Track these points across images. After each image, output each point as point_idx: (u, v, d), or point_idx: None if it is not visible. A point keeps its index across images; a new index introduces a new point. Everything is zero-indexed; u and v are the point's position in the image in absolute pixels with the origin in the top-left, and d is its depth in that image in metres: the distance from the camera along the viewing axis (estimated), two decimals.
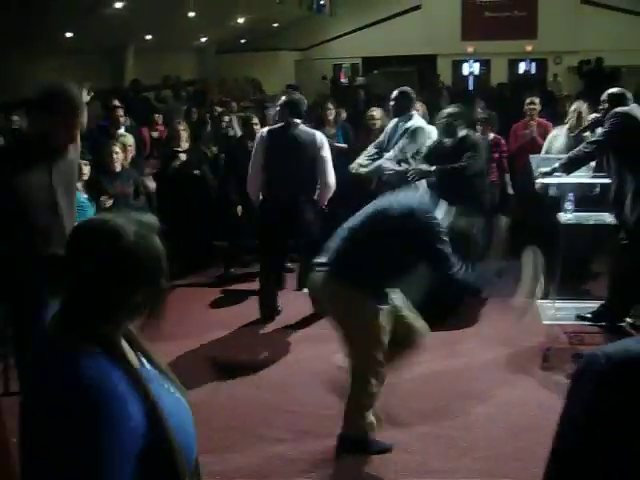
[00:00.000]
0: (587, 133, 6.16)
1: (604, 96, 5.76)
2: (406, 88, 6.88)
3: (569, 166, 5.55)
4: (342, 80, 19.55)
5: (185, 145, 7.42)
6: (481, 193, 6.41)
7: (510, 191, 7.77)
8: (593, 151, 5.53)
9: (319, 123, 7.70)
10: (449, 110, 6.45)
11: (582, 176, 5.91)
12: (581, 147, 5.65)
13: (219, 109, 8.44)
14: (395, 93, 6.82)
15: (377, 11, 18.87)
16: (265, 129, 6.16)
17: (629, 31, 17.21)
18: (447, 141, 6.30)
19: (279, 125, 6.08)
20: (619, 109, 5.48)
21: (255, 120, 7.40)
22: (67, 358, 1.43)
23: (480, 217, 6.12)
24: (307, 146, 6.01)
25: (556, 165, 5.60)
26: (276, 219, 5.99)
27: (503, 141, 7.79)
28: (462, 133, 6.28)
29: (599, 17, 17.85)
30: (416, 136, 6.47)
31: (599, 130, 5.64)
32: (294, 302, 6.44)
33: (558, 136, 7.05)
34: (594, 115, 5.94)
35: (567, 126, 6.96)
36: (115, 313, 1.51)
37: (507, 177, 7.73)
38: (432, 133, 6.52)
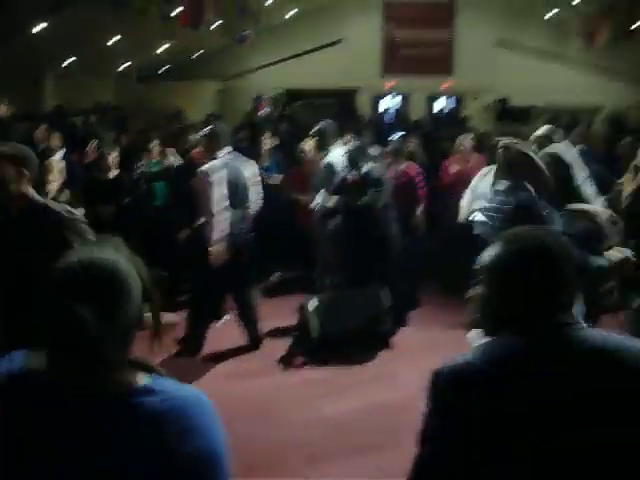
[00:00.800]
0: None
1: (532, 137, 5.99)
2: (323, 124, 6.92)
3: None
4: (260, 112, 19.54)
5: (114, 172, 7.29)
6: (385, 226, 6.52)
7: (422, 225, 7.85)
8: None
9: (254, 154, 7.56)
10: (352, 145, 6.56)
11: None
12: None
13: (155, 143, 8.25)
14: (314, 130, 6.92)
15: (299, 44, 19.04)
16: (221, 160, 5.80)
17: (541, 72, 18.05)
18: (350, 175, 6.40)
19: (226, 154, 5.86)
20: (547, 150, 5.70)
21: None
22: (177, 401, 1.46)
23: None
24: (246, 177, 5.99)
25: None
26: (236, 253, 5.84)
27: (414, 173, 7.77)
28: (365, 168, 6.39)
29: (513, 58, 18.58)
30: (329, 172, 6.54)
31: None
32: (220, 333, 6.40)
33: (487, 175, 7.20)
34: None
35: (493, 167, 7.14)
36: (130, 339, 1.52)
37: (418, 210, 7.75)
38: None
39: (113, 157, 7.22)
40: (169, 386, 1.48)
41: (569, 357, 1.64)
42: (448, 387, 1.68)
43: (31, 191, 3.46)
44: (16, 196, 3.40)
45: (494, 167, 7.13)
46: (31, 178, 3.46)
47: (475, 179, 7.24)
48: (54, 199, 6.23)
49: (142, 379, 1.47)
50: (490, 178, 7.02)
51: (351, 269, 6.36)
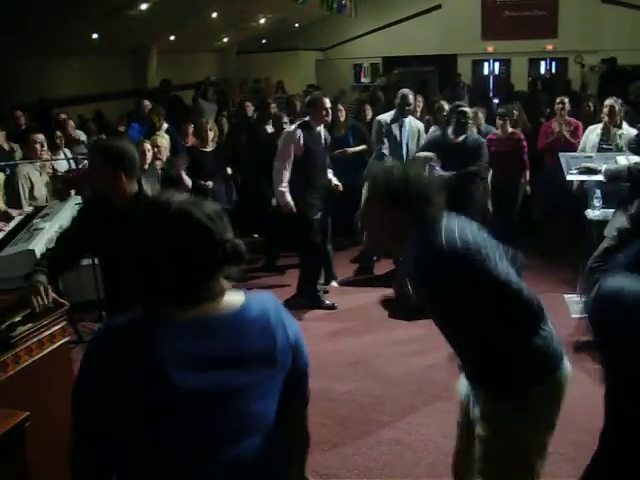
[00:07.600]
0: (621, 131, 6.20)
1: None
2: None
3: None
4: (362, 80, 19.76)
5: (212, 144, 7.53)
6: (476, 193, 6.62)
7: (527, 189, 7.84)
8: None
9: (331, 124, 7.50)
10: (461, 108, 6.55)
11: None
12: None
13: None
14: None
15: (397, 11, 18.89)
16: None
17: None
18: (453, 137, 6.43)
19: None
20: None
21: (285, 119, 7.55)
22: None
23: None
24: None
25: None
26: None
27: (522, 136, 7.72)
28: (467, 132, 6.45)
29: (620, 16, 17.81)
30: None
31: None
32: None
33: (592, 133, 7.05)
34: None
35: (602, 124, 6.95)
36: None
37: (526, 174, 7.71)
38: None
39: (208, 130, 7.48)
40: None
41: None
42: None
43: (131, 187, 3.30)
44: (116, 194, 3.28)
45: (597, 125, 7.04)
46: (129, 174, 3.28)
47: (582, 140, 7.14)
48: (164, 170, 6.59)
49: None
50: (597, 133, 6.93)
51: None
